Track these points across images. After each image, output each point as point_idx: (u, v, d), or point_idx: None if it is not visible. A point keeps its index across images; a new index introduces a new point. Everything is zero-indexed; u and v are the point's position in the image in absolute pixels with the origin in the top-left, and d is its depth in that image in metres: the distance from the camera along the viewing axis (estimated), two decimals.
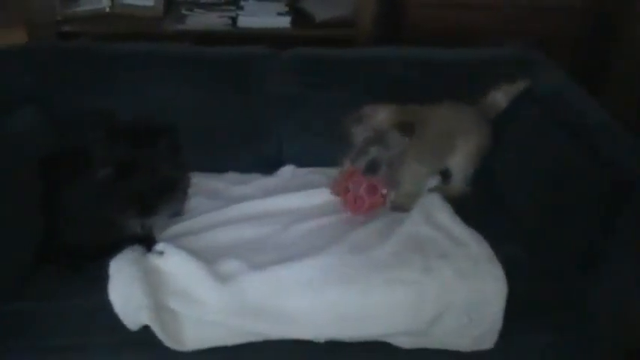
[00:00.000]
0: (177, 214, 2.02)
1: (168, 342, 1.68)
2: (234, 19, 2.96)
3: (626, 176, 1.78)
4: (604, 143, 1.92)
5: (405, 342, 1.78)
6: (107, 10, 2.98)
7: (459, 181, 2.20)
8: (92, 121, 1.94)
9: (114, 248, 1.82)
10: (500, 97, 2.23)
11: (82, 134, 1.96)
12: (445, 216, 2.01)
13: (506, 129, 2.23)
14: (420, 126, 2.00)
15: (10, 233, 1.76)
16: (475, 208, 2.11)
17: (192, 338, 1.72)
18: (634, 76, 2.88)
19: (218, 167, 2.28)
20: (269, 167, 2.29)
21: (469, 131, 2.17)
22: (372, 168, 1.97)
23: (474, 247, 1.88)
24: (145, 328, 1.69)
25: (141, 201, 1.82)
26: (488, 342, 1.79)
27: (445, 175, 2.23)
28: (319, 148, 2.20)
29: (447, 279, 1.77)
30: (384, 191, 2.07)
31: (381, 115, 1.95)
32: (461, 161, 2.18)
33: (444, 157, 2.19)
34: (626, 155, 1.87)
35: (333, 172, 2.22)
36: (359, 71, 2.29)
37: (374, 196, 2.04)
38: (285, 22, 2.95)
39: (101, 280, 1.73)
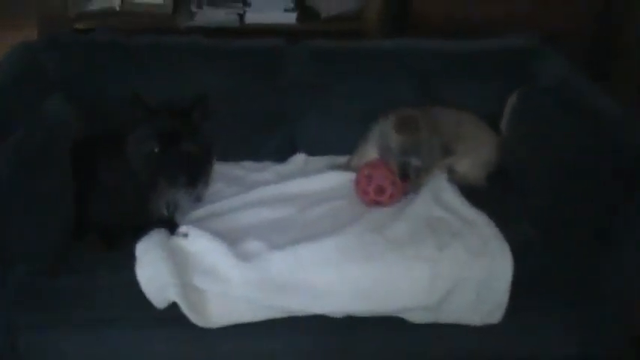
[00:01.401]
0: (198, 199, 2.09)
1: (194, 318, 1.76)
2: (241, 16, 3.04)
3: (636, 162, 1.84)
4: (612, 127, 1.97)
5: (418, 317, 1.86)
6: (117, 8, 3.04)
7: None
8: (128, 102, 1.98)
9: (141, 229, 1.90)
10: (503, 124, 2.34)
11: (115, 117, 2.02)
12: (452, 197, 2.10)
13: (515, 115, 2.30)
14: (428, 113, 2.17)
15: (47, 212, 1.84)
16: (486, 189, 2.20)
17: (218, 314, 1.80)
18: (634, 77, 2.92)
19: (232, 156, 2.33)
20: (282, 156, 2.37)
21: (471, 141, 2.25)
22: (405, 175, 2.08)
23: (482, 226, 1.96)
24: (172, 306, 1.76)
25: (189, 168, 1.91)
26: (495, 316, 1.87)
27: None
28: (333, 138, 2.29)
29: (459, 256, 1.85)
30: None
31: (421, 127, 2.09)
32: (466, 165, 2.25)
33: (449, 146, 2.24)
34: (633, 138, 1.92)
35: (344, 160, 2.30)
36: (373, 62, 2.36)
37: (381, 197, 2.08)
38: (291, 18, 3.03)
39: (131, 258, 1.81)
